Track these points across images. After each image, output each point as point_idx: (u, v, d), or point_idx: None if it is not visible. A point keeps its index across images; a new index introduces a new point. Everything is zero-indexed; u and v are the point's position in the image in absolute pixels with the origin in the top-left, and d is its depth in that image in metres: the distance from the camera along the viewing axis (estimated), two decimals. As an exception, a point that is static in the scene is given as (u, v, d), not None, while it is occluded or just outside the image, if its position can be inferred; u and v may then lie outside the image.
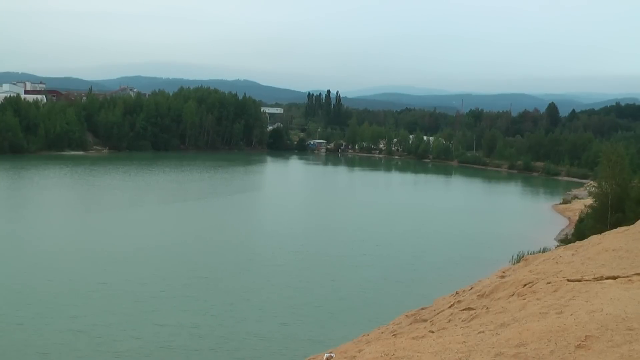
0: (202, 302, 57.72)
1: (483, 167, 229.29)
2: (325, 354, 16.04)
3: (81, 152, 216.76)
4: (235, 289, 62.50)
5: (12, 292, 58.51)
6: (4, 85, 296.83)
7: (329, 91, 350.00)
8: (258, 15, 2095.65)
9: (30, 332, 48.70)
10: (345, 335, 41.16)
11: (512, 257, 68.31)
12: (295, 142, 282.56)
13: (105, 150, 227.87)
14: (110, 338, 48.20)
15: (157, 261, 72.76)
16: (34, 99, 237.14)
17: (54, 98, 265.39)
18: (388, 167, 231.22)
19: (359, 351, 15.36)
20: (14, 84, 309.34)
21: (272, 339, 49.50)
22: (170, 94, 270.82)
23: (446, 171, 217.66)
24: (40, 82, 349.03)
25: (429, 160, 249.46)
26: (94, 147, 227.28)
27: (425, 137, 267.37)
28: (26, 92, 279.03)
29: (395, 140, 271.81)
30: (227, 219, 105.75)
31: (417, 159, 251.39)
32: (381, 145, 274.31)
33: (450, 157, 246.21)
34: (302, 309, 57.37)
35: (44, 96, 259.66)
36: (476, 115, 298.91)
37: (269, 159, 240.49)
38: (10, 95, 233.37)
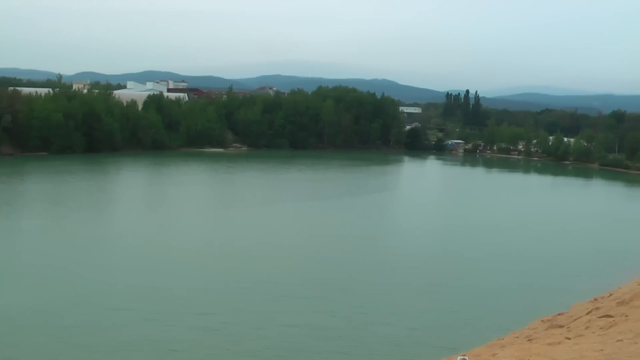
0: (332, 303, 57.40)
1: (625, 170, 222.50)
2: (459, 357, 15.92)
3: (220, 149, 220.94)
4: (366, 291, 61.91)
5: (146, 288, 59.83)
6: (147, 83, 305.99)
7: (467, 91, 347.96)
8: (397, 13, 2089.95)
9: (162, 328, 49.60)
10: (478, 341, 40.74)
11: (654, 264, 66.29)
12: (433, 142, 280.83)
13: (244, 148, 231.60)
14: (239, 337, 48.54)
15: (290, 260, 73.10)
16: (176, 97, 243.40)
17: (195, 96, 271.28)
18: (526, 169, 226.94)
19: (493, 355, 15.18)
20: (157, 82, 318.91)
21: (401, 344, 48.79)
22: (309, 93, 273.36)
23: (586, 174, 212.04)
24: (183, 81, 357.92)
25: (568, 163, 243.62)
26: (233, 144, 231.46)
27: (565, 139, 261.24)
28: (169, 90, 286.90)
29: (535, 141, 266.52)
30: (361, 219, 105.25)
31: (556, 161, 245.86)
32: (520, 147, 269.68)
33: (590, 159, 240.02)
34: (433, 313, 56.23)
35: (186, 94, 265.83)
36: (618, 117, 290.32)
37: (405, 158, 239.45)
38: (153, 93, 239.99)
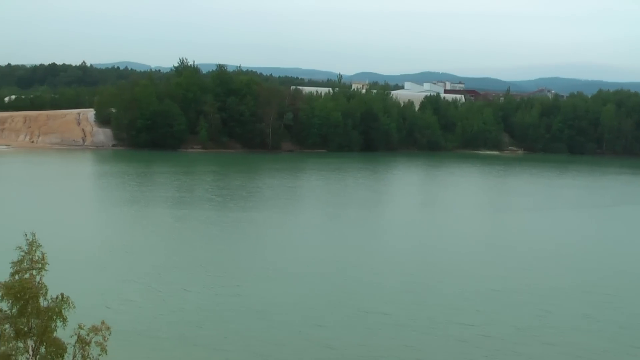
0: (597, 322, 54.12)
1: None
2: None
3: (496, 152, 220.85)
4: (637, 310, 57.92)
5: (403, 291, 59.74)
6: (425, 84, 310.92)
7: None
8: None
9: (415, 335, 49.13)
10: None
11: None
12: None
13: (520, 151, 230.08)
14: (495, 352, 47.13)
15: (554, 271, 69.88)
16: (452, 98, 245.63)
17: (472, 98, 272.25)
18: None
19: None
20: (435, 83, 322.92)
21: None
22: (588, 97, 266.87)
23: None
24: (460, 82, 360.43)
25: None
26: (509, 147, 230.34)
27: None
28: (446, 91, 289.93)
29: None
30: (634, 231, 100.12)
31: None
32: None
33: None
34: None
35: (463, 96, 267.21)
36: None
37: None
38: (430, 94, 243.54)
